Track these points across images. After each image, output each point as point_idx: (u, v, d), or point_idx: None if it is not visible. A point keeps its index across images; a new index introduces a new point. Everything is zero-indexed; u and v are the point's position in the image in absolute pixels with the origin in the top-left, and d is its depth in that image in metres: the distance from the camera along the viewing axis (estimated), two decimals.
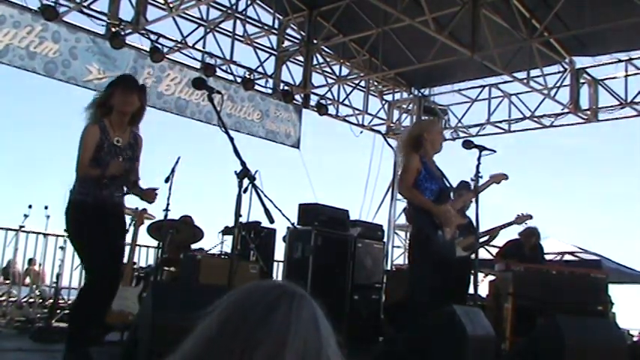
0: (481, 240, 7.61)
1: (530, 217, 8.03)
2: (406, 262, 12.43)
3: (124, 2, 10.02)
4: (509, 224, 8.17)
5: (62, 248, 8.85)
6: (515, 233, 8.93)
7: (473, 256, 6.18)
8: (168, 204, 7.08)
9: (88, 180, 4.67)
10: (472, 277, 6.28)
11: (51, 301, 8.17)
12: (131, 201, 5.31)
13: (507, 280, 7.96)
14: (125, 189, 4.94)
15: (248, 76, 11.62)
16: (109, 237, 4.72)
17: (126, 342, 5.81)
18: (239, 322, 1.13)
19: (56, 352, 6.22)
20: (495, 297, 8.19)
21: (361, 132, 13.98)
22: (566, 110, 12.52)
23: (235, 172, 4.09)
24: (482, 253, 8.99)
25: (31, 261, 10.25)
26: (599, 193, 29.39)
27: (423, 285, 5.58)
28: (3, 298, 8.60)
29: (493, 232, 8.15)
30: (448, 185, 5.97)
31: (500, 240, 8.83)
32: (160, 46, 10.29)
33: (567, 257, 11.98)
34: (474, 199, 6.02)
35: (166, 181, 6.99)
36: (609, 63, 12.13)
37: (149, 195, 4.96)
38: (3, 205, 22.13)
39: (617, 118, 12.33)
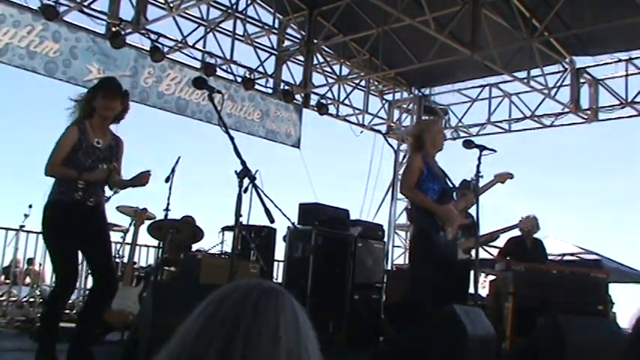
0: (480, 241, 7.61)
1: (534, 217, 7.94)
2: (406, 261, 12.44)
3: (124, 2, 10.03)
4: (512, 227, 8.12)
5: None
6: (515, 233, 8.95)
7: (473, 255, 6.17)
8: (168, 203, 7.09)
9: (64, 180, 4.72)
10: (473, 277, 6.26)
11: None
12: (132, 200, 5.29)
13: (508, 280, 7.95)
14: (108, 193, 4.97)
15: (248, 76, 11.62)
16: (88, 238, 4.75)
17: (126, 342, 5.81)
18: (226, 319, 1.14)
19: (56, 351, 6.22)
20: (496, 296, 8.18)
21: (361, 132, 13.98)
22: (566, 110, 12.52)
23: (236, 171, 4.09)
24: (482, 254, 9.01)
25: (30, 261, 10.23)
26: (600, 192, 29.38)
27: (423, 285, 5.58)
28: (3, 298, 8.59)
29: (493, 235, 8.10)
30: (451, 185, 5.95)
31: (502, 240, 8.82)
32: (160, 46, 10.29)
33: (568, 257, 11.99)
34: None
35: (166, 180, 6.99)
36: (609, 62, 12.11)
37: (141, 179, 4.94)
38: (3, 205, 22.12)
39: (617, 118, 12.33)
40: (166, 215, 7.21)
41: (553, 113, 12.88)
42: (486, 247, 9.19)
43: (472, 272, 6.42)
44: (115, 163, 4.91)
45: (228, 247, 8.28)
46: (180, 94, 11.06)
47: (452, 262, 5.74)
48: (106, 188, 4.97)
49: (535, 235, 8.94)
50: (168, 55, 10.63)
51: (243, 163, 4.08)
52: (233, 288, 1.21)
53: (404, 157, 14.84)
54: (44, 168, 4.68)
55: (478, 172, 5.65)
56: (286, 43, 12.57)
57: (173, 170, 7.05)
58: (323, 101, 12.83)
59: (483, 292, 8.62)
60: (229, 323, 1.14)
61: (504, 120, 13.62)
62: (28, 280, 10.05)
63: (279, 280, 9.39)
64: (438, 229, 5.57)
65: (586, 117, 12.56)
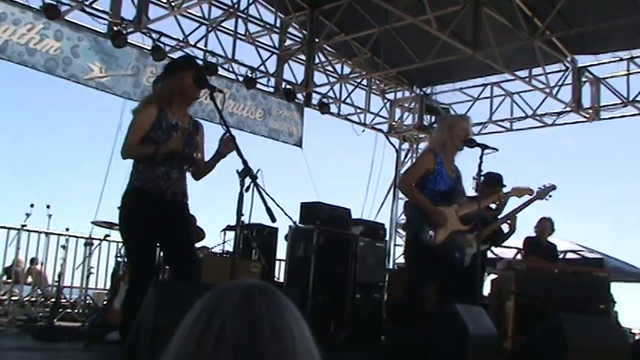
0: (506, 231, 7.34)
1: (554, 187, 7.02)
2: None
3: (126, 1, 10.03)
4: (531, 201, 7.22)
5: (64, 247, 8.87)
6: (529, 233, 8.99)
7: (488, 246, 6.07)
8: None
9: (143, 163, 4.41)
10: (481, 274, 6.16)
11: (53, 300, 8.18)
12: None
13: (509, 279, 7.96)
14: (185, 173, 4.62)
15: (250, 75, 11.62)
16: (168, 230, 4.44)
17: (127, 341, 5.81)
18: (218, 323, 1.14)
19: (58, 350, 6.25)
20: (498, 295, 8.19)
21: (363, 131, 13.99)
22: (568, 109, 12.52)
23: (237, 170, 4.08)
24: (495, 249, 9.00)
25: (33, 260, 10.25)
26: (602, 192, 29.38)
27: (413, 285, 5.57)
28: (5, 297, 8.61)
29: (513, 216, 7.34)
30: (461, 188, 5.84)
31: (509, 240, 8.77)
32: (161, 45, 10.29)
33: (569, 255, 11.97)
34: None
35: None
36: (611, 61, 12.12)
37: (224, 146, 4.49)
38: (5, 204, 22.13)
39: (619, 117, 12.33)
40: None
41: (554, 112, 12.89)
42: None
43: (484, 268, 6.29)
44: (198, 153, 4.64)
45: (229, 247, 8.30)
46: None
47: (450, 262, 5.66)
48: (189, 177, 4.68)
49: (549, 239, 8.97)
50: (169, 55, 10.60)
51: (244, 162, 4.08)
52: (224, 291, 1.20)
53: (405, 155, 14.87)
54: (121, 150, 4.41)
55: (480, 171, 5.61)
56: (288, 42, 12.57)
57: None
58: (325, 100, 12.83)
59: (485, 291, 8.63)
60: (224, 327, 1.13)
61: (506, 119, 13.64)
62: (30, 279, 10.07)
63: (281, 279, 9.39)
64: (428, 230, 5.48)
65: (588, 116, 12.55)
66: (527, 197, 6.46)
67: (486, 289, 8.73)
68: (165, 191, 4.44)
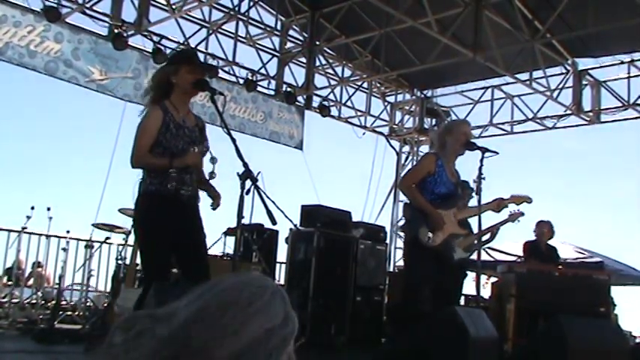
0: (483, 239, 7.40)
1: (522, 214, 7.41)
2: None
3: (127, 3, 10.03)
4: (504, 222, 7.61)
5: (64, 250, 8.85)
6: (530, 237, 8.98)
7: (475, 257, 6.10)
8: None
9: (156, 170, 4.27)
10: (475, 278, 6.18)
11: (53, 302, 8.17)
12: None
13: (510, 282, 7.96)
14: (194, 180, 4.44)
15: (250, 78, 11.62)
16: (182, 234, 4.35)
17: None
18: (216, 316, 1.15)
19: (58, 353, 6.24)
20: (498, 298, 8.19)
21: (364, 133, 14.00)
22: (568, 112, 12.51)
23: (238, 173, 4.08)
24: (485, 256, 8.98)
25: (37, 264, 10.20)
26: (602, 194, 29.31)
27: (414, 287, 5.57)
28: (6, 300, 8.60)
29: (493, 230, 7.73)
30: (460, 193, 5.84)
31: (501, 240, 8.79)
32: (162, 48, 10.29)
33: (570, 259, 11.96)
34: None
35: None
36: (612, 64, 12.11)
37: (217, 198, 4.53)
38: (5, 207, 22.07)
39: (619, 120, 12.34)
40: None
41: (555, 115, 12.88)
42: (489, 250, 9.11)
43: (467, 274, 6.31)
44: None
45: (230, 249, 8.30)
46: None
47: (447, 264, 5.66)
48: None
49: (550, 242, 8.95)
50: None
51: (245, 164, 4.07)
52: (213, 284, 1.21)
53: (406, 158, 14.87)
54: (130, 159, 4.26)
55: (480, 174, 5.61)
56: (288, 44, 12.57)
57: None
58: (325, 103, 12.82)
59: (486, 293, 8.62)
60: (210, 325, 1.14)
61: (506, 122, 13.63)
62: (31, 282, 10.05)
63: (282, 282, 9.39)
64: (427, 232, 5.48)
65: (588, 119, 12.55)
66: (509, 212, 6.53)
67: (487, 292, 8.74)
68: (182, 195, 4.34)
